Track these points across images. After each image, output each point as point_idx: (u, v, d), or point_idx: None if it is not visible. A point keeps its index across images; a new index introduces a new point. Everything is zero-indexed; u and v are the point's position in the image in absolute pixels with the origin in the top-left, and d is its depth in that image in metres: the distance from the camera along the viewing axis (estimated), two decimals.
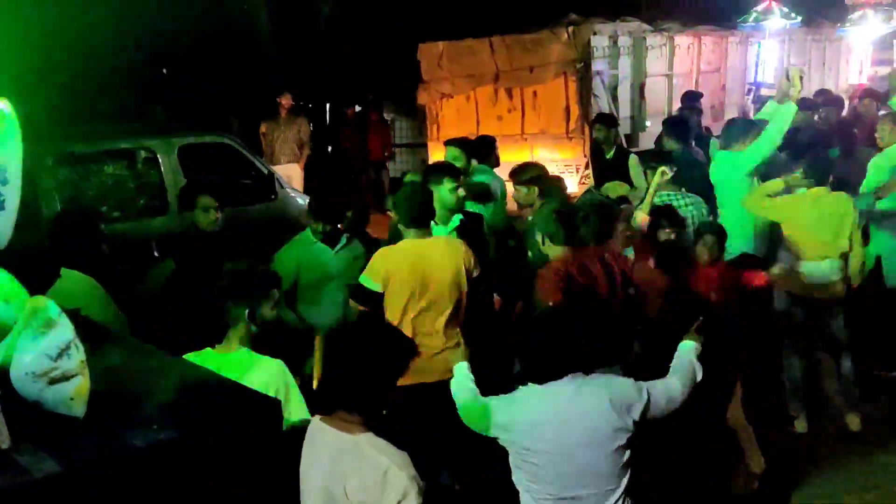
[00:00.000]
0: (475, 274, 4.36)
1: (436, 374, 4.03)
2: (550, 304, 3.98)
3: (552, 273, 4.19)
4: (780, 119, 6.07)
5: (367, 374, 2.70)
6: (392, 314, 4.25)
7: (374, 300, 4.25)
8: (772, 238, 6.28)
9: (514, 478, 3.21)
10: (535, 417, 3.06)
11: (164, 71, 14.42)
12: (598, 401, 3.02)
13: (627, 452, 3.06)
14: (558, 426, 3.01)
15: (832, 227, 5.52)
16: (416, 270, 4.20)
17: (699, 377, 3.37)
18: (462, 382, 3.46)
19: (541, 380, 3.06)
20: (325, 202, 5.14)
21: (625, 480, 3.08)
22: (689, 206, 5.72)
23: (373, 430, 2.68)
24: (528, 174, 5.61)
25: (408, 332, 4.17)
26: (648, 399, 3.09)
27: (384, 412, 2.79)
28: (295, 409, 3.25)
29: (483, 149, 6.89)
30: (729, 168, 6.16)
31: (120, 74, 12.62)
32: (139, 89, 12.93)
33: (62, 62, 11.44)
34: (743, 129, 6.41)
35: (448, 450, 4.33)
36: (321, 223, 5.04)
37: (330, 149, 13.43)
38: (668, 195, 5.70)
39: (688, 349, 3.46)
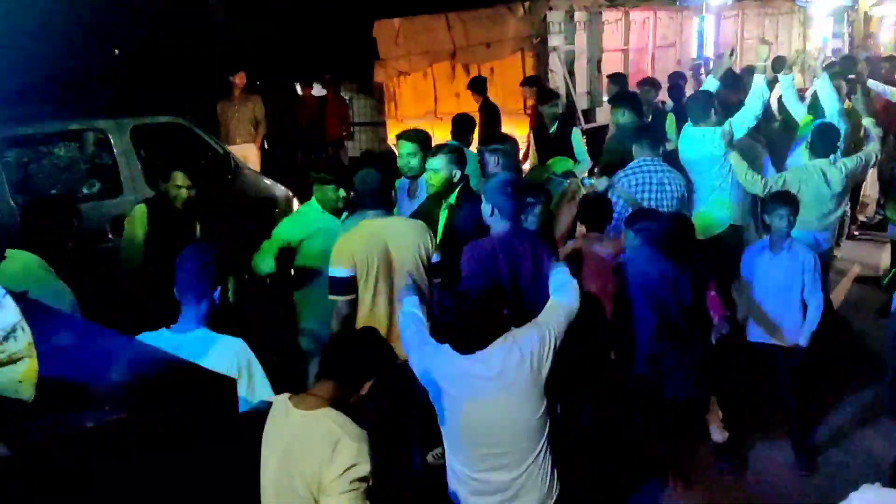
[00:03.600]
0: (434, 258, 4.31)
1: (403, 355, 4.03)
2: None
3: (476, 258, 4.05)
4: (755, 93, 6.19)
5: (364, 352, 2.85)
6: (360, 296, 4.20)
7: (351, 286, 4.16)
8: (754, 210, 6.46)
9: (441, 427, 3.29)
10: (459, 377, 3.12)
11: (117, 52, 14.12)
12: (510, 356, 3.11)
13: (544, 402, 3.17)
14: (478, 389, 3.09)
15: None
16: (378, 250, 4.17)
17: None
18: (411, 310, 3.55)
19: (464, 351, 3.13)
20: (342, 167, 4.92)
21: (544, 435, 3.18)
22: (663, 173, 5.71)
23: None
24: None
25: (376, 312, 4.18)
26: (550, 330, 3.23)
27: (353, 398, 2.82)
28: (258, 388, 3.22)
29: (464, 127, 6.96)
30: (706, 145, 6.09)
31: (71, 55, 12.34)
32: (91, 70, 12.65)
33: (8, 43, 11.15)
34: (707, 104, 6.41)
35: (418, 429, 4.34)
36: (334, 187, 4.71)
37: (287, 128, 13.26)
38: (644, 161, 5.71)
39: (557, 272, 3.70)
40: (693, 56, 13.55)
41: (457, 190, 4.80)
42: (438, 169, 4.76)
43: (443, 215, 4.84)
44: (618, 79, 9.57)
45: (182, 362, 2.12)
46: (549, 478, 3.21)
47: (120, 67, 13.27)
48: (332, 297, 4.19)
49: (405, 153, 5.31)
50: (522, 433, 3.13)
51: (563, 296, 3.47)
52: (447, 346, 3.18)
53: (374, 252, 4.17)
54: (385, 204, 4.35)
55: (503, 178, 4.15)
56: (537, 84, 9.50)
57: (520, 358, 3.10)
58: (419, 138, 5.40)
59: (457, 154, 4.87)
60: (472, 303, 3.13)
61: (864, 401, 5.68)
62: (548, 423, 3.19)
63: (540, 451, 3.17)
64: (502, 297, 3.28)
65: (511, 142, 5.64)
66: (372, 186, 4.27)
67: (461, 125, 7.03)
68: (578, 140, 7.58)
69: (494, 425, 3.11)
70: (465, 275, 4.01)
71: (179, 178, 5.24)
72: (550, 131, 7.85)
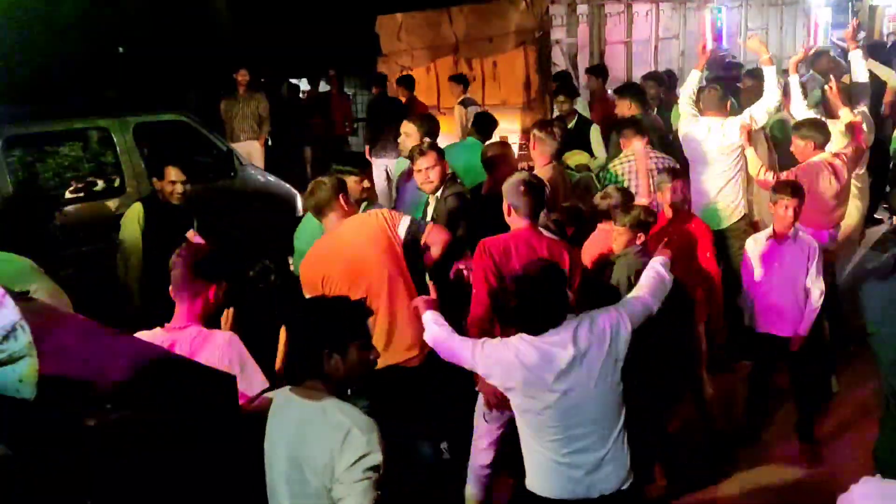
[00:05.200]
0: (403, 234, 4.15)
1: (397, 354, 4.07)
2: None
3: (489, 252, 4.01)
4: (770, 86, 6.11)
5: (326, 342, 2.70)
6: None
7: None
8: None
9: (517, 421, 3.31)
10: (537, 362, 3.12)
11: (120, 49, 14.13)
12: (592, 333, 3.15)
13: (621, 384, 3.22)
14: (559, 370, 3.10)
15: None
16: (342, 260, 4.09)
17: (669, 284, 3.63)
18: (435, 324, 3.48)
19: (538, 332, 3.14)
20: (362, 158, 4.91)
21: (622, 415, 3.23)
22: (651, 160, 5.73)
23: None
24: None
25: None
26: (629, 316, 3.28)
27: (351, 387, 2.80)
28: (253, 381, 3.22)
29: (486, 125, 7.06)
30: (719, 135, 6.05)
31: (73, 53, 12.35)
32: (93, 67, 12.67)
33: (13, 41, 11.18)
34: (723, 95, 6.35)
35: (425, 423, 4.33)
36: (357, 178, 4.67)
37: (290, 125, 13.27)
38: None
39: (656, 262, 3.71)
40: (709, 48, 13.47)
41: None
42: (433, 165, 4.81)
43: (429, 206, 4.95)
44: (597, 70, 9.63)
45: (182, 360, 2.13)
46: (627, 458, 3.27)
47: (123, 65, 13.29)
48: None
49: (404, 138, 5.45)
50: (605, 411, 3.19)
51: (644, 292, 3.50)
52: (514, 336, 3.19)
53: (332, 267, 4.09)
54: (339, 212, 4.21)
55: (518, 178, 4.10)
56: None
57: (601, 334, 3.16)
58: (423, 126, 5.59)
59: (439, 148, 4.95)
60: (535, 282, 3.14)
61: (868, 392, 5.66)
62: (624, 405, 3.25)
63: (620, 430, 3.23)
64: (561, 274, 3.32)
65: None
66: (322, 198, 4.18)
67: (482, 122, 7.09)
68: (597, 135, 7.57)
69: (579, 405, 3.14)
70: (476, 270, 4.00)
71: (173, 173, 5.22)
72: (569, 126, 7.83)
